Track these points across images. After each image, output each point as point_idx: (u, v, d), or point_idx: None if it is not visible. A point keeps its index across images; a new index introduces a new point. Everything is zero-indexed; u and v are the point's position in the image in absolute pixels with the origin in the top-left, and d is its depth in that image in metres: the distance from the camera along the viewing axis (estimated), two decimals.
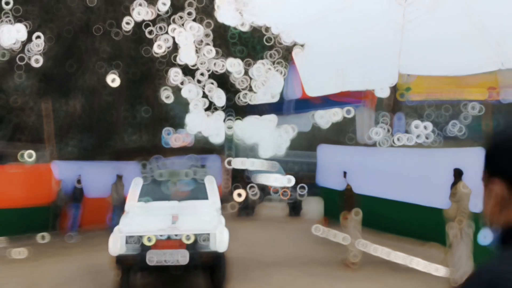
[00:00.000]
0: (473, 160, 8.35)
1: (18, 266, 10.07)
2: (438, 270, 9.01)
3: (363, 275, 8.98)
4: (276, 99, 22.40)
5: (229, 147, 23.84)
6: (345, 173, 10.72)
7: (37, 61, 17.98)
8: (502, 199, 1.19)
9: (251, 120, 22.92)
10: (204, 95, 20.19)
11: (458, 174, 8.17)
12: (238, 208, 18.56)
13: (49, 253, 11.28)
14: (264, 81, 20.60)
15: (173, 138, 28.85)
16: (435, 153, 11.01)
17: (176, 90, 21.17)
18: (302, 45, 20.43)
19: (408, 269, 9.69)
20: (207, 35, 18.06)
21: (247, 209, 18.33)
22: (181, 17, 17.68)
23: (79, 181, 14.09)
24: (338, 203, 10.37)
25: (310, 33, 25.04)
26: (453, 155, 8.83)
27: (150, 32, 17.35)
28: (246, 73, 19.82)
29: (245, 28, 19.37)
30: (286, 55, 20.05)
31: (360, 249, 10.01)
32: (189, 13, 17.71)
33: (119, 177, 14.85)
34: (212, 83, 20.24)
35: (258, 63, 20.18)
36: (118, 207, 14.53)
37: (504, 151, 1.20)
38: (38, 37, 18.75)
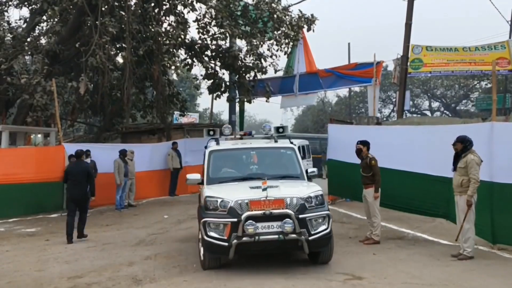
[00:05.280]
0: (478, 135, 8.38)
1: (30, 243, 10.26)
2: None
3: (371, 249, 8.99)
4: (284, 75, 22.15)
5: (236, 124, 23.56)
6: (365, 144, 9.86)
7: (44, 40, 18.03)
8: None
9: (259, 101, 22.65)
10: (211, 74, 19.92)
11: (469, 143, 8.08)
12: None
13: (58, 232, 11.40)
14: (273, 58, 20.16)
15: (184, 118, 28.97)
16: (442, 129, 10.72)
17: (185, 68, 21.02)
18: (313, 20, 19.63)
19: (416, 241, 9.70)
20: (212, 10, 17.70)
21: None
22: None
23: (87, 155, 14.09)
24: (361, 178, 9.72)
25: (316, 5, 24.28)
26: (460, 131, 8.69)
27: (157, 8, 17.16)
28: (254, 50, 19.40)
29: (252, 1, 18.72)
30: (295, 30, 19.42)
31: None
32: None
33: (122, 154, 15.06)
34: (219, 61, 19.97)
35: (267, 40, 19.68)
36: (120, 184, 14.80)
37: None
38: (44, 17, 18.77)
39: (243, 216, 7.09)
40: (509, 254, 8.29)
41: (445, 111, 49.17)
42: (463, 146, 8.12)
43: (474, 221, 8.06)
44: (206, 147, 9.09)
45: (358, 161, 10.03)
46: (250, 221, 7.07)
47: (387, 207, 10.81)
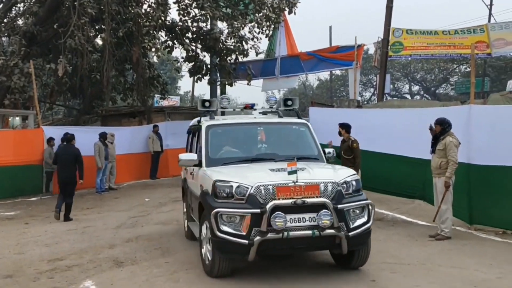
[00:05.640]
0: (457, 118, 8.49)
1: (9, 227, 10.16)
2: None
3: None
4: (266, 58, 22.09)
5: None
6: (344, 127, 9.87)
7: (21, 21, 17.70)
8: None
9: (240, 83, 22.56)
10: (192, 56, 19.73)
11: (448, 125, 8.18)
12: None
13: (38, 216, 11.33)
14: (255, 41, 20.01)
15: (165, 101, 28.78)
16: (422, 112, 10.82)
17: (165, 51, 20.79)
18: (295, 3, 19.39)
19: (395, 222, 9.85)
20: None
21: None
22: None
23: None
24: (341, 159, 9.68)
25: None
26: (439, 114, 8.79)
27: None
28: (235, 32, 19.24)
29: None
30: (277, 12, 19.24)
31: None
32: None
33: (103, 137, 14.94)
34: (200, 44, 19.79)
35: (248, 22, 19.51)
36: (101, 167, 14.70)
37: None
38: None
39: (268, 206, 5.64)
40: (485, 234, 8.46)
41: (425, 95, 49.62)
42: (441, 128, 8.22)
43: (451, 202, 8.22)
44: (199, 122, 7.76)
45: (339, 144, 10.10)
46: (279, 212, 5.65)
47: (367, 189, 10.86)
